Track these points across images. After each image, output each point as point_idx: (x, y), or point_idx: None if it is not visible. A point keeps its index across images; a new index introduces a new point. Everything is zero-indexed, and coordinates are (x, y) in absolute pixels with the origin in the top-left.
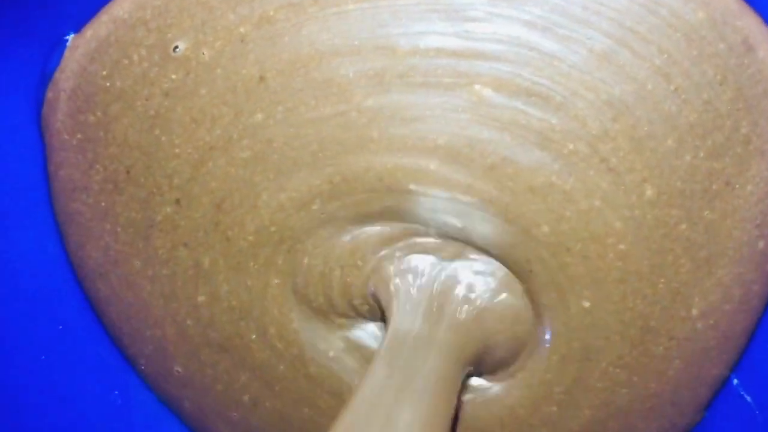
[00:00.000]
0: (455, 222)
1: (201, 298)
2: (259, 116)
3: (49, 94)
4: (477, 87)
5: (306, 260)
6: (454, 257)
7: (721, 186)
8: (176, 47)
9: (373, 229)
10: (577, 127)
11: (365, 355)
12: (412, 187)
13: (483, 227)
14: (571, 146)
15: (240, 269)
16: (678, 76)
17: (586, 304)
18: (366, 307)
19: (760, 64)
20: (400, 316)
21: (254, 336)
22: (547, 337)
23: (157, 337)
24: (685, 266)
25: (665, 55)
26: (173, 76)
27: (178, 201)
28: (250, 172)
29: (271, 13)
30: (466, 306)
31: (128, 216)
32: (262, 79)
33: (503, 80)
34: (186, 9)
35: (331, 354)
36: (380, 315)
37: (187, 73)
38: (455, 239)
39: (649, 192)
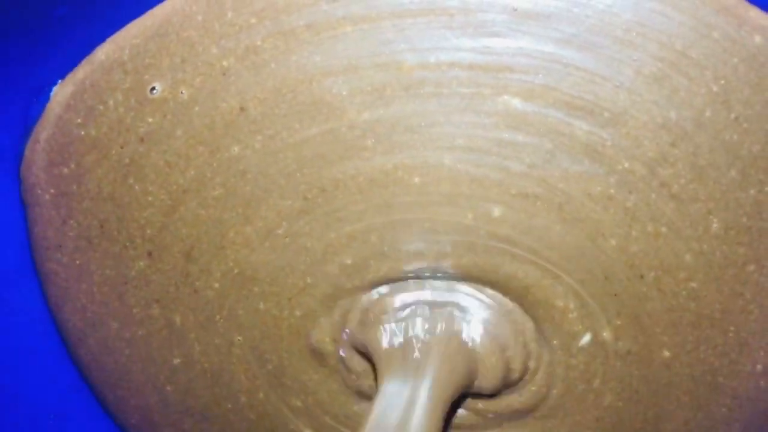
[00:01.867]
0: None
1: (176, 361)
2: (236, 149)
3: (27, 148)
4: (504, 97)
5: (261, 305)
6: (444, 300)
7: None
8: (153, 88)
9: (346, 263)
10: (631, 146)
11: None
12: (416, 180)
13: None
14: (626, 164)
15: (208, 326)
16: (738, 104)
17: (666, 354)
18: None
19: None
20: (392, 373)
21: (229, 405)
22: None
23: (141, 406)
24: (754, 314)
25: (722, 81)
26: (150, 120)
27: (150, 254)
28: (220, 210)
29: (258, 43)
30: (453, 341)
31: (102, 274)
32: (242, 109)
33: (536, 92)
34: (165, 47)
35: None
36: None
37: (164, 115)
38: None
39: (716, 225)
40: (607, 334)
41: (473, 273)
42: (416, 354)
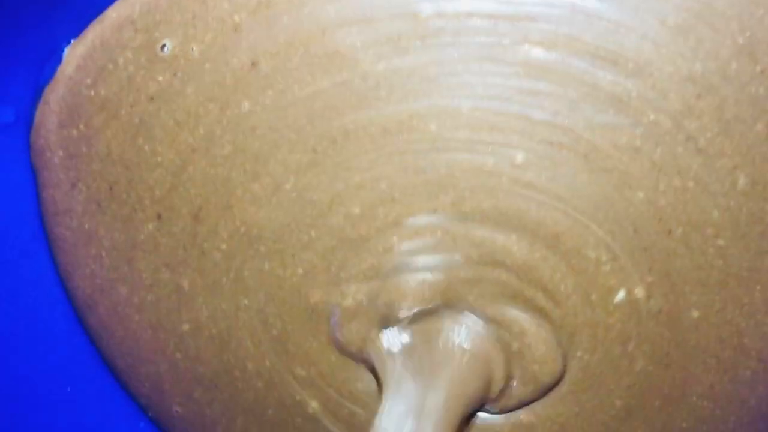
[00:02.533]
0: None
1: (185, 327)
2: (246, 105)
3: (37, 111)
4: (525, 47)
5: (266, 265)
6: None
7: None
8: (164, 46)
9: (353, 212)
10: (656, 98)
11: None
12: (432, 128)
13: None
14: (652, 116)
15: (215, 290)
16: (764, 56)
17: (695, 314)
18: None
19: None
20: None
21: (237, 373)
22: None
23: (151, 375)
24: None
25: (747, 33)
26: (160, 78)
27: (159, 216)
28: (228, 168)
29: None
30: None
31: (112, 238)
32: (254, 65)
33: (558, 41)
34: (176, 3)
35: (315, 405)
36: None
37: (174, 73)
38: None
39: (742, 181)
40: (639, 291)
41: (496, 218)
42: (423, 362)
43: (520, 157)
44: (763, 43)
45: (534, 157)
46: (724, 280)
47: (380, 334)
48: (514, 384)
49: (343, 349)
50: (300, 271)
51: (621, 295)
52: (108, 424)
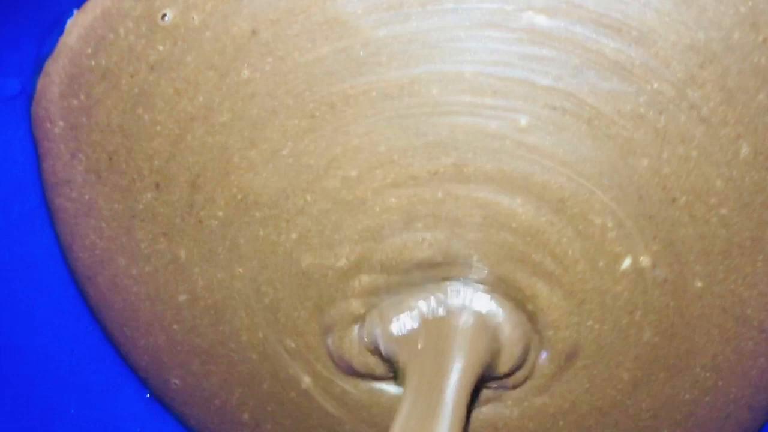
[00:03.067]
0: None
1: (182, 298)
2: (245, 72)
3: (39, 82)
4: (529, 13)
5: (261, 232)
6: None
7: None
8: (164, 15)
9: (350, 175)
10: (659, 66)
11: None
12: (434, 92)
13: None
14: (655, 85)
15: (211, 258)
16: (766, 26)
17: (699, 284)
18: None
19: None
20: (414, 367)
21: (233, 345)
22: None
23: (149, 347)
24: None
25: (750, 3)
26: (160, 48)
27: (157, 185)
28: (226, 136)
29: None
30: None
31: (111, 208)
32: (254, 32)
33: (561, 8)
34: None
35: (308, 380)
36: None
37: (174, 42)
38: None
39: (745, 150)
40: (645, 259)
41: (500, 180)
42: (440, 338)
43: (524, 121)
44: (766, 13)
45: (538, 121)
46: (727, 250)
47: (392, 325)
48: (531, 353)
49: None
50: (294, 236)
51: (627, 262)
52: (112, 396)
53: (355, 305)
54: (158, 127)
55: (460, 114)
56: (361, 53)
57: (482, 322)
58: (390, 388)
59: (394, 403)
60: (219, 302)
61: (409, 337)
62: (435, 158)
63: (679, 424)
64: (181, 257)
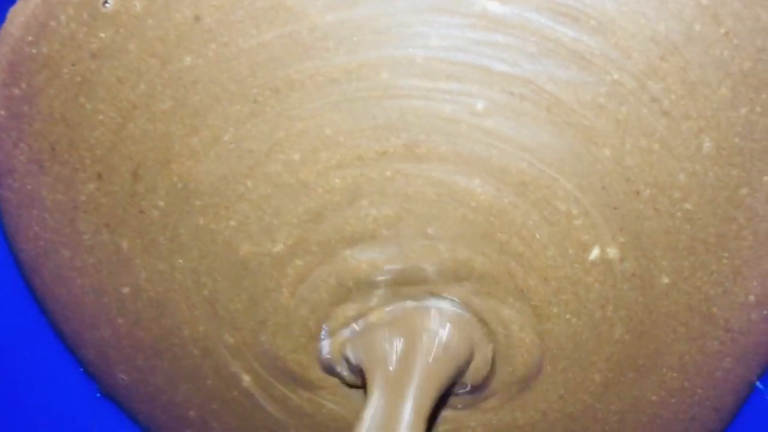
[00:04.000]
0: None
1: (125, 290)
2: (188, 59)
3: None
4: (481, 0)
5: (201, 220)
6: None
7: None
8: (106, 2)
9: (292, 159)
10: (620, 57)
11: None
12: (384, 75)
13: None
14: (615, 75)
15: (153, 249)
16: (728, 18)
17: (666, 280)
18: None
19: None
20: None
21: (176, 339)
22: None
23: (95, 341)
24: (748, 240)
25: None
26: (102, 35)
27: (99, 175)
28: (168, 123)
29: None
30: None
31: (54, 199)
32: (197, 18)
33: None
34: None
35: (248, 379)
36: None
37: (116, 29)
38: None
39: (708, 145)
40: (612, 251)
41: (455, 161)
42: (408, 348)
43: (480, 106)
44: (727, 5)
45: (495, 106)
46: (692, 246)
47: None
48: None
49: (329, 365)
50: (233, 223)
51: (595, 252)
52: (62, 393)
53: (287, 297)
54: (100, 116)
55: (412, 98)
56: (308, 39)
57: (451, 333)
58: (328, 403)
59: (337, 416)
60: (161, 295)
61: (377, 345)
62: (384, 139)
63: (645, 427)
64: (124, 249)
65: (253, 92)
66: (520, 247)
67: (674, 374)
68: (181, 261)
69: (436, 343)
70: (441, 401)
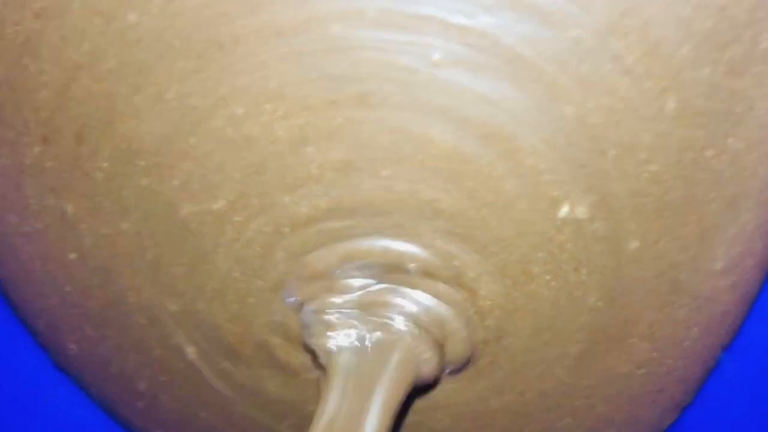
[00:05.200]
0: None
1: (72, 257)
2: (132, 16)
3: None
4: None
5: (144, 181)
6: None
7: (746, 110)
8: None
9: (236, 113)
10: (579, 12)
11: None
12: (335, 28)
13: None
14: (575, 32)
15: (97, 213)
16: None
17: (634, 245)
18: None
19: None
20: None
21: (122, 307)
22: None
23: (44, 310)
24: (714, 203)
25: None
26: None
27: (45, 138)
28: (112, 83)
29: None
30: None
31: (1, 165)
32: None
33: None
34: None
35: (192, 350)
36: None
37: None
38: None
39: (671, 104)
40: (581, 210)
41: (412, 109)
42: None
43: (437, 56)
44: None
45: (453, 57)
46: (659, 209)
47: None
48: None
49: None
50: (176, 182)
51: (565, 209)
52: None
53: (222, 258)
54: (44, 77)
55: (364, 49)
56: None
57: (422, 322)
58: (269, 384)
59: (284, 398)
60: (106, 260)
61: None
62: (334, 89)
63: (613, 401)
64: (69, 213)
65: (198, 48)
66: (490, 196)
67: (643, 344)
68: (124, 225)
69: (404, 347)
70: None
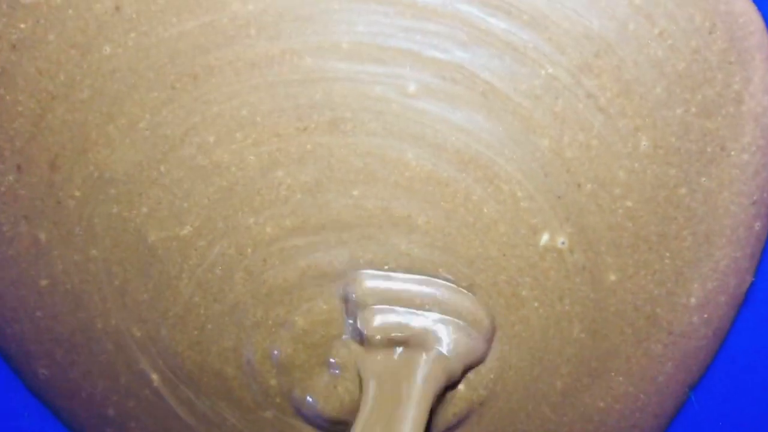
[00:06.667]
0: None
1: (43, 283)
2: (107, 48)
3: None
4: None
5: (115, 208)
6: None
7: (717, 150)
8: None
9: (207, 141)
10: (553, 52)
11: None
12: (308, 61)
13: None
14: (550, 70)
15: (69, 240)
16: (662, 18)
17: (612, 278)
18: None
19: (753, 14)
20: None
21: (90, 333)
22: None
23: (16, 335)
24: (687, 240)
25: None
26: (22, 26)
27: (18, 167)
28: (85, 113)
29: None
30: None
31: None
32: (117, 9)
33: None
34: None
35: (156, 377)
36: None
37: (36, 20)
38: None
39: (645, 143)
40: (561, 240)
41: (385, 135)
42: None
43: (412, 88)
44: (661, 5)
45: (427, 89)
46: (635, 244)
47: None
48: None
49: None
50: (144, 209)
51: (545, 238)
52: None
53: (185, 283)
54: (19, 108)
55: (338, 80)
56: (229, 27)
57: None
58: (230, 417)
59: (243, 427)
60: (76, 286)
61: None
62: (306, 117)
63: None
64: (42, 240)
65: (171, 79)
66: (469, 218)
67: (620, 378)
68: (94, 251)
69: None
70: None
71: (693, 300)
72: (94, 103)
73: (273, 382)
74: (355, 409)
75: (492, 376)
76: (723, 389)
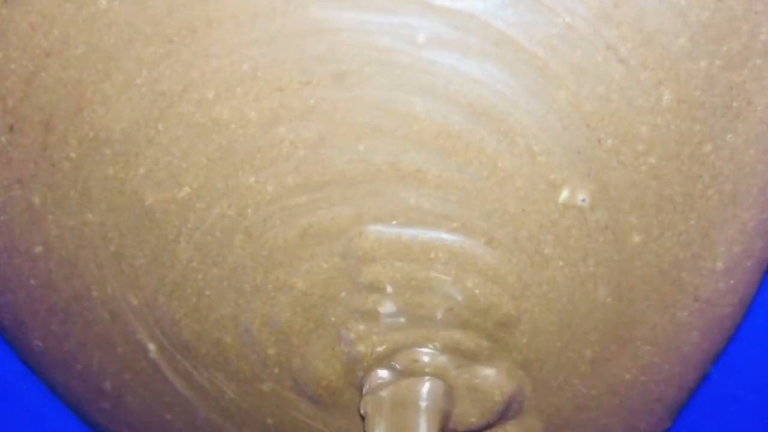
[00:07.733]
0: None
1: (37, 249)
2: (103, 2)
3: None
4: None
5: (111, 170)
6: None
7: (743, 104)
8: None
9: (206, 97)
10: (570, 0)
11: None
12: (314, 10)
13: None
14: (567, 18)
15: (63, 204)
16: None
17: (637, 239)
18: None
19: None
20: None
21: (86, 302)
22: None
23: (10, 305)
24: (713, 200)
25: None
26: None
27: (11, 127)
28: (80, 70)
29: None
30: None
31: None
32: None
33: None
34: None
35: (153, 348)
36: None
37: None
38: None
39: (667, 97)
40: (582, 197)
41: (392, 88)
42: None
43: (421, 38)
44: None
45: (438, 38)
46: (659, 204)
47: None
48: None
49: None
50: (142, 170)
51: (565, 194)
52: None
53: (183, 247)
54: (12, 65)
55: (343, 31)
56: None
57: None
58: (228, 390)
59: (240, 399)
60: (71, 253)
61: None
62: (309, 71)
63: (616, 412)
64: (36, 205)
65: (169, 32)
66: (484, 171)
67: (647, 347)
68: (90, 215)
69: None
70: None
71: (719, 264)
72: (89, 59)
73: (271, 351)
74: (353, 371)
75: (525, 340)
76: (741, 368)
